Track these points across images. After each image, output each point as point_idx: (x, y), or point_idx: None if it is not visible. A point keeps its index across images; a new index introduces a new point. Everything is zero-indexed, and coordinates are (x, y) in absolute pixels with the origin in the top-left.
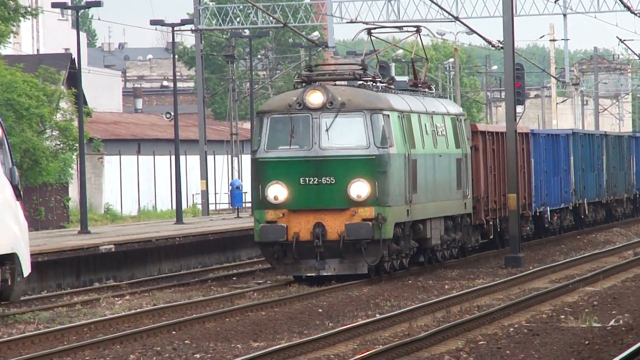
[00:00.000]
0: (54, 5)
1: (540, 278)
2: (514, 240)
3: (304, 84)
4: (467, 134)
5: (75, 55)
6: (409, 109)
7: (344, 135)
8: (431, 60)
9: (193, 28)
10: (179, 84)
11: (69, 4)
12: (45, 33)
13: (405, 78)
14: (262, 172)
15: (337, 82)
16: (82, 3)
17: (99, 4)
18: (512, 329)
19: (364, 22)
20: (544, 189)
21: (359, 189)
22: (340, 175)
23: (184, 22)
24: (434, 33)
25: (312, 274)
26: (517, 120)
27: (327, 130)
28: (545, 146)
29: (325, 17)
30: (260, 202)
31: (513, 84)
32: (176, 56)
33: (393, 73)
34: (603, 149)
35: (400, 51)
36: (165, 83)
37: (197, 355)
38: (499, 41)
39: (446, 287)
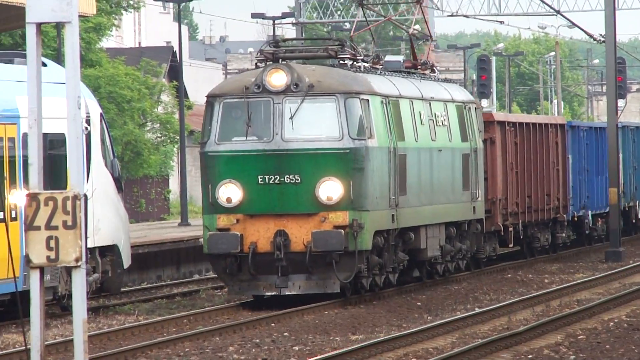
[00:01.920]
0: None
1: None
2: (614, 235)
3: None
4: (479, 124)
5: (176, 48)
6: (397, 94)
7: (312, 124)
8: (533, 53)
9: (294, 21)
10: None
11: None
12: (147, 26)
13: (400, 57)
14: (213, 169)
15: (311, 62)
16: None
17: None
18: (612, 324)
19: (465, 16)
20: (584, 190)
21: (330, 189)
22: (307, 173)
23: (285, 16)
24: (438, 6)
25: (272, 293)
26: (619, 114)
27: (291, 118)
28: (587, 141)
29: (426, 10)
30: (211, 206)
31: (615, 78)
32: None
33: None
34: None
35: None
36: None
37: (296, 348)
38: (601, 35)
39: (546, 281)
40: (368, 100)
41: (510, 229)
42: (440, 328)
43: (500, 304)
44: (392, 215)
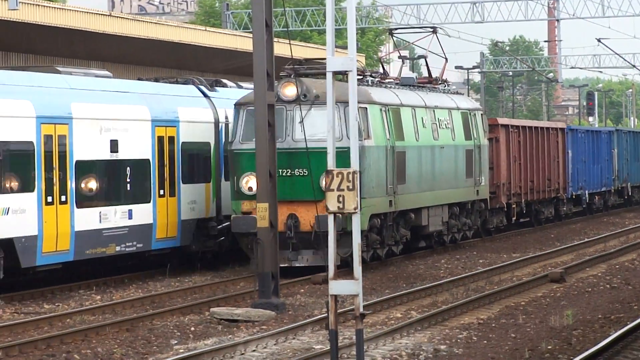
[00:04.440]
0: None
1: None
2: None
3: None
4: (484, 127)
5: None
6: (398, 103)
7: (317, 127)
8: (619, 89)
9: (479, 70)
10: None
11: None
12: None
13: (413, 75)
14: (237, 164)
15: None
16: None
17: None
18: None
19: (579, 68)
20: (582, 175)
21: None
22: (313, 167)
23: (474, 67)
24: (448, 33)
25: (286, 265)
26: None
27: (300, 122)
28: (585, 140)
29: (557, 64)
30: (236, 193)
31: None
32: (470, 87)
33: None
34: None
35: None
36: None
37: (481, 261)
38: None
39: (626, 222)
40: (366, 108)
41: (514, 206)
42: (564, 249)
43: (599, 236)
44: (390, 200)
